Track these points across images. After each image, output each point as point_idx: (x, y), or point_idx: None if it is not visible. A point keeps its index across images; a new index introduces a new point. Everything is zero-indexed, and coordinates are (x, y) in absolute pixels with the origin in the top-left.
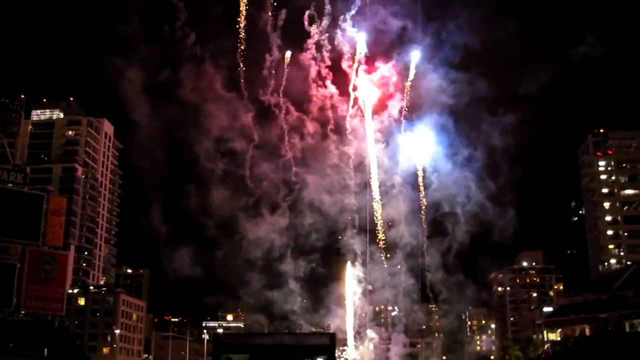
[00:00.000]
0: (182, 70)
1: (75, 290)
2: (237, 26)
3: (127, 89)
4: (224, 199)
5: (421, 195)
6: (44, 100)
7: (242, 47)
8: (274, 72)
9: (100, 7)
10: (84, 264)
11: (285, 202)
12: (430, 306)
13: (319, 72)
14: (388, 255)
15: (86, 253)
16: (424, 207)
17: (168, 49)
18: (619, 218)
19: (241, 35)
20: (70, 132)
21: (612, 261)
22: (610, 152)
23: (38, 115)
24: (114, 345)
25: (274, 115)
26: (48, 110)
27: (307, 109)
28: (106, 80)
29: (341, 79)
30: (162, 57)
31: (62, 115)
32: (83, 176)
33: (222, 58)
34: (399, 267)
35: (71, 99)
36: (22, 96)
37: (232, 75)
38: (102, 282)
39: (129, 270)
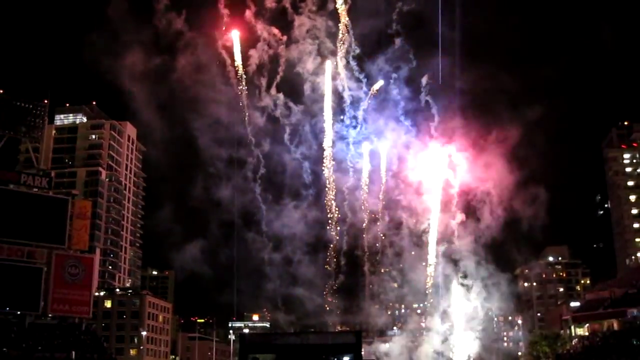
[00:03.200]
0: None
1: (102, 293)
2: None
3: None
4: (250, 197)
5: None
6: (67, 104)
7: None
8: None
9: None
10: (110, 267)
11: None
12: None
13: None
14: (413, 252)
15: (112, 256)
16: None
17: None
18: None
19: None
20: (93, 136)
21: (639, 255)
22: (635, 144)
23: (61, 119)
24: (141, 347)
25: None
26: (71, 115)
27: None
28: (126, 83)
29: None
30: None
31: (85, 120)
32: (107, 179)
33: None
34: (423, 264)
35: (94, 102)
36: (46, 101)
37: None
38: (128, 285)
39: (155, 272)
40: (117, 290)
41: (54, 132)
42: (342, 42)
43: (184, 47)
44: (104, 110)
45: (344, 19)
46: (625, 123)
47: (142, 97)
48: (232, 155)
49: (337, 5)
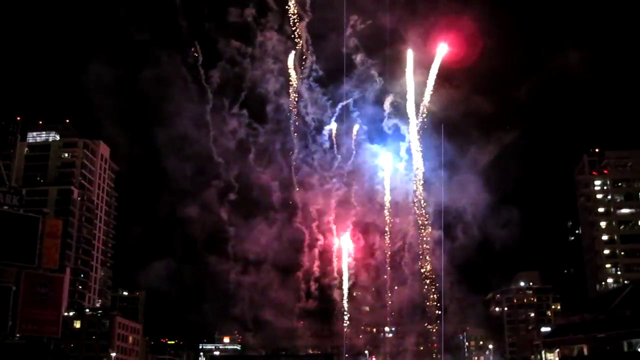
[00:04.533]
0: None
1: (71, 313)
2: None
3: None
4: (219, 218)
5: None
6: (40, 122)
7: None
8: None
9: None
10: (80, 287)
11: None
12: (428, 327)
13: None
14: (386, 276)
15: (82, 275)
16: (423, 222)
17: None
18: (616, 237)
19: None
20: (66, 155)
21: (610, 280)
22: (606, 171)
23: (34, 137)
24: None
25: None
26: (44, 133)
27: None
28: (101, 101)
29: None
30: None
31: (58, 138)
32: (79, 198)
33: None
34: (395, 288)
35: (67, 121)
36: (18, 118)
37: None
38: (98, 305)
39: (125, 293)
40: (87, 310)
41: (26, 149)
42: (303, 61)
43: (148, 61)
44: (77, 129)
45: (303, 37)
46: (597, 150)
47: (110, 114)
48: (200, 175)
49: (294, 25)
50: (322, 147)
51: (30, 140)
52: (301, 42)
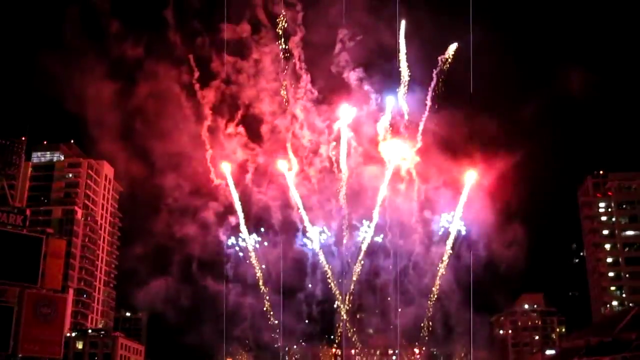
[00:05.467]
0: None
1: (74, 334)
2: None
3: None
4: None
5: None
6: (45, 142)
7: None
8: None
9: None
10: (82, 307)
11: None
12: (432, 350)
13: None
14: (389, 298)
15: (85, 296)
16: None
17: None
18: (620, 259)
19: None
20: (70, 175)
21: (614, 303)
22: (610, 193)
23: (39, 157)
24: None
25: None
26: (49, 153)
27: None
28: (107, 123)
29: None
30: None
31: (62, 158)
32: (82, 219)
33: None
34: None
35: (72, 141)
36: (23, 138)
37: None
38: (100, 326)
39: (128, 314)
40: (90, 331)
41: (30, 169)
42: (297, 81)
43: (145, 79)
44: (82, 148)
45: (295, 54)
46: (601, 172)
47: (109, 132)
48: (199, 195)
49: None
50: (319, 168)
51: (35, 160)
52: (294, 60)
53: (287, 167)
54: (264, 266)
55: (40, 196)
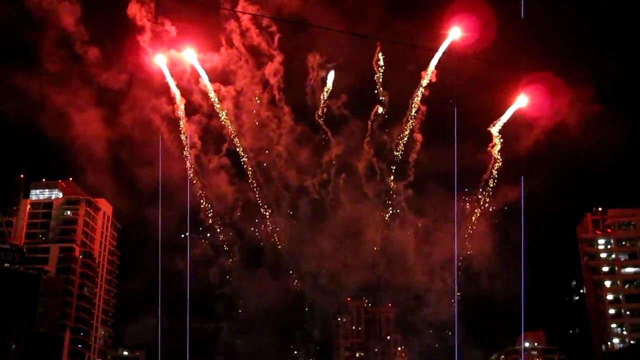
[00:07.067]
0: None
1: None
2: None
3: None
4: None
5: None
6: (43, 179)
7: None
8: None
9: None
10: (80, 346)
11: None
12: None
13: None
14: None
15: (82, 334)
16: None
17: None
18: (621, 297)
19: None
20: (68, 212)
21: (616, 340)
22: (609, 230)
23: (37, 194)
24: None
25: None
26: (47, 190)
27: None
28: (106, 160)
29: None
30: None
31: (60, 195)
32: (80, 256)
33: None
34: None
35: (70, 179)
36: (22, 176)
37: None
38: None
39: (125, 352)
40: None
41: (28, 207)
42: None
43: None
44: (80, 185)
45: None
46: (600, 208)
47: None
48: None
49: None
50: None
51: (34, 197)
52: (273, 90)
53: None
54: None
55: (38, 234)
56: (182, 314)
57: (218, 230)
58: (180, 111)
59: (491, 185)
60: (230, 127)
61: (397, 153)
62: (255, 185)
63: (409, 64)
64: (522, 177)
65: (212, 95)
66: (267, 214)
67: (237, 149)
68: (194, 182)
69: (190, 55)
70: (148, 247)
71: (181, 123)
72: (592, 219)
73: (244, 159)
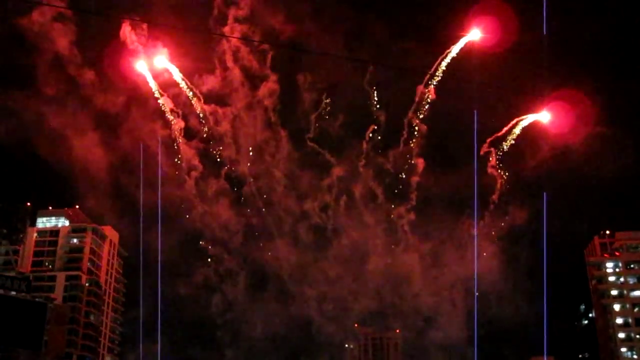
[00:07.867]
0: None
1: None
2: None
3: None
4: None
5: None
6: (50, 207)
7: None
8: None
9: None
10: None
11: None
12: None
13: None
14: None
15: None
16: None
17: None
18: (630, 320)
19: None
20: (75, 240)
21: None
22: (617, 253)
23: (44, 222)
24: None
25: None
26: (54, 218)
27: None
28: (112, 188)
29: None
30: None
31: (67, 223)
32: (87, 284)
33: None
34: None
35: (77, 206)
36: (28, 204)
37: None
38: None
39: None
40: None
41: (35, 235)
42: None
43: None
44: (83, 210)
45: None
46: (607, 232)
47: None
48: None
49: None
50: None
51: (40, 225)
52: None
53: None
54: None
55: (45, 262)
56: (186, 342)
57: (222, 257)
58: (178, 134)
59: (497, 205)
60: (223, 155)
61: (401, 175)
62: (253, 210)
63: (405, 83)
64: (544, 194)
65: (190, 95)
66: (269, 238)
67: (233, 176)
68: (194, 206)
69: (162, 61)
70: (151, 276)
71: (175, 145)
72: (600, 242)
73: (243, 186)
